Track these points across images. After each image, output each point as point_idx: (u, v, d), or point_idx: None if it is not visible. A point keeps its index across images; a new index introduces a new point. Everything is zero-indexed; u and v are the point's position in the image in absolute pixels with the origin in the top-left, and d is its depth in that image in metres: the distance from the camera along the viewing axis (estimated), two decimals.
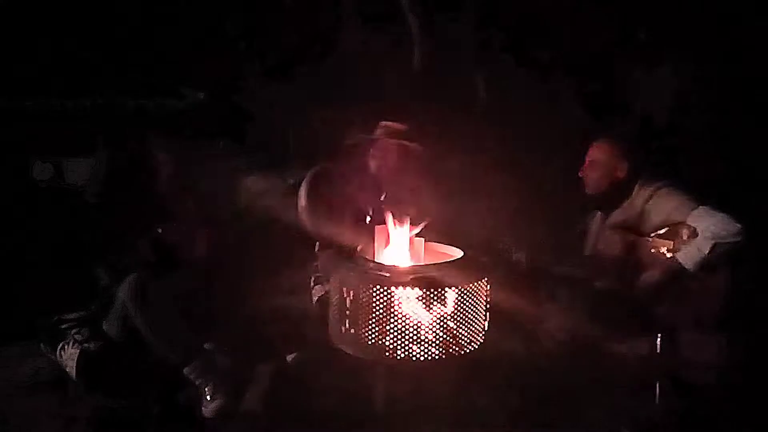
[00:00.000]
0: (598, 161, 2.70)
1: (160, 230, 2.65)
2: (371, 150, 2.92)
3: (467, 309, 2.03)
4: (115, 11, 3.70)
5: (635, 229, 2.65)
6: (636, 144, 2.81)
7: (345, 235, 2.58)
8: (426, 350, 1.99)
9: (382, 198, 2.87)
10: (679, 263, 2.49)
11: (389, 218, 2.22)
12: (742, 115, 3.53)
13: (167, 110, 3.75)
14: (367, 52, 3.94)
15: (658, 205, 2.61)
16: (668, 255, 2.56)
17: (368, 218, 2.77)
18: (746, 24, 3.56)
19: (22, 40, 3.58)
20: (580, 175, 2.74)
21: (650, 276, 2.56)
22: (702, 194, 2.58)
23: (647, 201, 2.63)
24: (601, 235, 2.76)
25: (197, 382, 2.46)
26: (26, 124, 3.57)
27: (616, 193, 2.69)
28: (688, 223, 2.52)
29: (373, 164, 2.91)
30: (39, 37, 3.61)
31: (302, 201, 2.84)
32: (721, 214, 2.48)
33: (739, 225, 2.45)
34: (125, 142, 2.92)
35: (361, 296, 2.00)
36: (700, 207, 2.52)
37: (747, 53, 3.58)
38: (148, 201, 2.74)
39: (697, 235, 2.48)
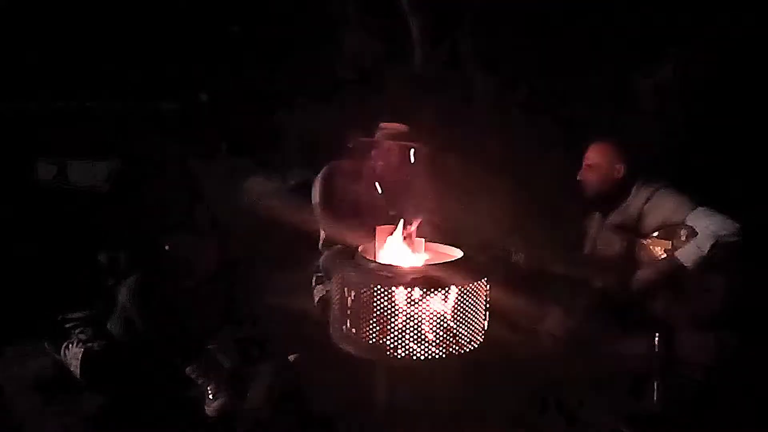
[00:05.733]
0: (596, 163, 2.71)
1: (167, 246, 2.66)
2: (373, 151, 2.93)
3: (467, 309, 2.05)
4: (118, 14, 3.72)
5: (634, 230, 2.67)
6: (632, 144, 2.82)
7: (355, 232, 2.59)
8: (426, 350, 2.01)
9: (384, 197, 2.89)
10: (676, 261, 2.51)
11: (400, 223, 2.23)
12: (740, 114, 3.54)
13: (169, 112, 3.77)
14: (368, 54, 3.95)
15: (657, 205, 2.62)
16: (667, 255, 2.58)
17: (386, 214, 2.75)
18: (744, 22, 3.57)
19: (25, 42, 3.60)
20: (578, 177, 2.75)
21: (646, 273, 2.58)
22: (700, 194, 2.60)
23: (646, 202, 2.64)
24: (601, 235, 2.77)
25: (199, 382, 2.48)
26: (30, 125, 3.59)
27: (614, 194, 2.71)
28: (687, 223, 2.54)
29: (375, 165, 2.92)
30: (42, 39, 3.63)
31: (316, 196, 2.85)
32: (720, 215, 2.49)
33: (737, 225, 2.46)
34: (143, 144, 2.93)
35: (362, 296, 2.01)
36: (699, 207, 2.54)
37: (745, 51, 3.59)
38: (158, 203, 2.76)
39: (695, 235, 2.50)
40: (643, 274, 2.58)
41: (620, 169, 2.68)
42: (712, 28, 3.60)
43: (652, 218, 2.62)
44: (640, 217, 2.65)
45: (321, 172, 2.90)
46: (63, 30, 3.69)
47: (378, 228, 2.25)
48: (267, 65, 4.05)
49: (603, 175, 2.70)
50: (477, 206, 3.01)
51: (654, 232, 2.62)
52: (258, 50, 4.07)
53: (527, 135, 3.64)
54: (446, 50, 3.95)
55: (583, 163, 2.75)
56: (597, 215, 2.83)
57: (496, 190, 3.18)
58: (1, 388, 2.57)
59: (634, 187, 2.68)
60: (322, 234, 2.93)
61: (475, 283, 2.07)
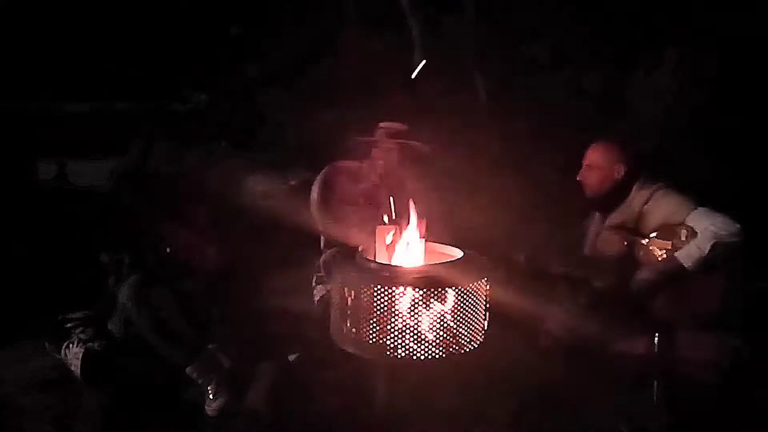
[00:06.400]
0: (596, 164, 2.71)
1: (168, 249, 2.67)
2: (372, 151, 2.93)
3: (467, 309, 2.05)
4: (118, 14, 3.72)
5: (634, 230, 2.67)
6: (632, 144, 2.82)
7: (354, 232, 2.59)
8: (426, 350, 2.01)
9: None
10: (676, 262, 2.51)
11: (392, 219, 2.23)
12: (740, 114, 3.54)
13: (170, 113, 3.77)
14: (368, 54, 3.95)
15: (657, 206, 2.62)
16: (667, 255, 2.58)
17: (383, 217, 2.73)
18: (743, 21, 3.58)
19: (27, 42, 3.60)
20: (578, 178, 2.75)
21: (646, 273, 2.58)
22: (699, 194, 2.60)
23: (646, 202, 2.65)
24: (601, 235, 2.77)
25: (200, 382, 2.49)
26: (30, 125, 3.60)
27: (614, 194, 2.71)
28: (687, 223, 2.54)
29: (375, 165, 2.91)
30: (44, 39, 3.64)
31: (315, 196, 2.83)
32: (720, 215, 2.50)
33: (737, 225, 2.47)
34: (143, 144, 2.93)
35: (362, 296, 2.01)
36: (699, 208, 2.55)
37: (744, 51, 3.59)
38: (162, 204, 2.76)
39: (695, 236, 2.50)
40: (642, 275, 2.58)
41: (620, 169, 2.68)
42: (712, 28, 3.60)
43: (652, 218, 2.62)
44: (640, 217, 2.65)
45: (323, 170, 2.89)
46: (64, 30, 3.70)
47: (378, 228, 2.25)
48: (267, 65, 4.05)
49: (603, 175, 2.70)
50: (477, 206, 3.01)
51: (654, 232, 2.62)
52: (258, 50, 4.08)
53: (527, 135, 3.64)
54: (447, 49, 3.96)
55: (583, 164, 2.75)
56: (597, 215, 2.83)
57: (496, 190, 3.19)
58: (1, 387, 2.58)
59: (634, 187, 2.69)
60: (323, 239, 2.91)
61: (475, 283, 2.07)
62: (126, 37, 3.74)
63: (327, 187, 2.84)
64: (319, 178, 2.87)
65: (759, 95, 3.53)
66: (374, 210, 2.81)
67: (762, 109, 3.51)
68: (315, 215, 2.84)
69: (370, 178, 2.91)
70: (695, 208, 2.55)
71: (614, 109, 3.77)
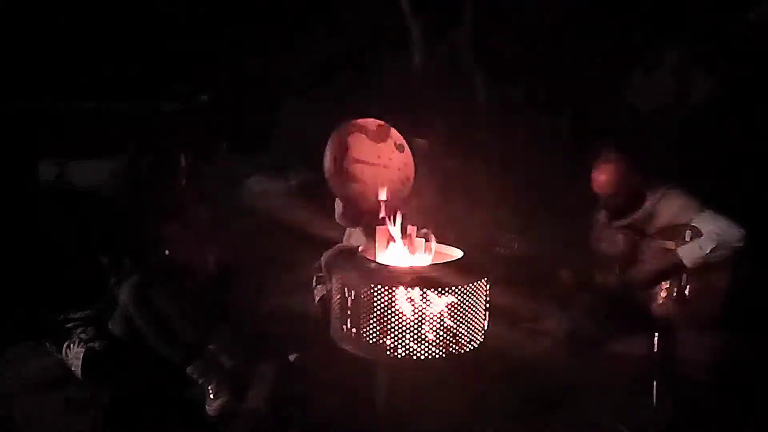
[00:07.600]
0: (615, 187, 2.67)
1: (167, 252, 2.67)
2: None
3: (467, 308, 2.05)
4: (119, 14, 3.72)
5: (640, 230, 2.68)
6: (640, 147, 2.82)
7: (368, 193, 2.54)
8: (426, 349, 2.01)
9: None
10: (675, 257, 2.52)
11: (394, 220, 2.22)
12: (739, 114, 3.54)
13: (170, 113, 3.77)
14: (368, 53, 3.96)
15: (665, 206, 2.64)
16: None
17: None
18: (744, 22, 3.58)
19: (27, 42, 3.60)
20: (602, 205, 2.73)
21: (645, 267, 2.59)
22: (700, 194, 2.61)
23: (655, 203, 2.66)
24: (605, 233, 2.78)
25: (200, 381, 2.49)
26: (31, 125, 3.60)
27: (632, 198, 2.70)
28: (693, 224, 2.55)
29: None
30: (44, 39, 3.64)
31: (328, 154, 2.65)
32: (725, 219, 2.51)
33: (741, 230, 2.48)
34: (149, 146, 2.93)
35: (362, 296, 2.01)
36: (706, 210, 2.56)
37: (746, 52, 3.60)
38: (162, 205, 2.76)
39: (700, 236, 2.51)
40: (642, 268, 2.60)
41: (636, 177, 2.67)
42: (711, 26, 3.61)
43: (660, 218, 2.64)
44: (648, 216, 2.67)
45: (337, 129, 2.70)
46: (64, 30, 3.70)
47: (378, 228, 2.25)
48: (267, 65, 4.05)
49: (624, 194, 2.68)
50: (477, 205, 3.01)
51: (660, 232, 2.63)
52: (258, 50, 4.08)
53: (528, 133, 3.64)
54: (446, 49, 3.96)
55: (600, 189, 2.70)
56: (602, 213, 2.83)
57: (496, 188, 3.19)
58: (2, 387, 2.58)
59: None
60: (338, 208, 2.78)
61: (475, 283, 2.07)
62: (126, 37, 3.74)
63: (342, 145, 2.66)
64: (333, 136, 2.69)
65: (759, 95, 3.53)
66: (390, 172, 2.73)
67: (763, 109, 3.51)
68: (328, 176, 2.66)
69: (389, 138, 2.77)
70: (702, 211, 2.56)
71: (614, 110, 3.77)
